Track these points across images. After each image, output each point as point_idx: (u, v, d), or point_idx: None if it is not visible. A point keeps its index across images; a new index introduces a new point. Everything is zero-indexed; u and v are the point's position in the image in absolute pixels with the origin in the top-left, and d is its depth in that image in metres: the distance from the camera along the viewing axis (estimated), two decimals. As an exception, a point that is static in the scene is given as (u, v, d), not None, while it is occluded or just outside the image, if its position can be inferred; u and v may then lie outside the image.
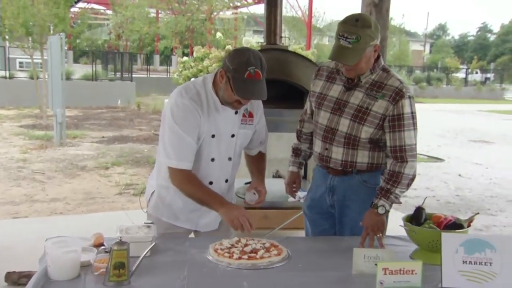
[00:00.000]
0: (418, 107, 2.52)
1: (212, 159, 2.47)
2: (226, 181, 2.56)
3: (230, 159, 2.53)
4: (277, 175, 4.89)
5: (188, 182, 2.40)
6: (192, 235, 2.67)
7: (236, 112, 2.46)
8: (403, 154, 2.43)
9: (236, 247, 2.31)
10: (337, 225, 2.69)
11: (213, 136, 2.43)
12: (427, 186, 7.80)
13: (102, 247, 2.05)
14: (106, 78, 20.08)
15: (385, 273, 1.96)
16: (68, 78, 15.78)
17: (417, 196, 6.74)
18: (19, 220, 5.33)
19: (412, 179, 2.45)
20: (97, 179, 7.29)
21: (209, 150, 2.45)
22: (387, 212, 2.44)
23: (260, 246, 2.31)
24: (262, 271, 2.12)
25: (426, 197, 3.16)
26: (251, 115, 2.54)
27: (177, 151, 2.37)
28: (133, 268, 1.95)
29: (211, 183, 2.50)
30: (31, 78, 15.50)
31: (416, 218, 2.40)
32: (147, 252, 2.01)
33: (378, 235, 2.42)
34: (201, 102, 2.38)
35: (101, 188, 6.80)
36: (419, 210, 2.43)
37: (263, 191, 2.55)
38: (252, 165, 2.72)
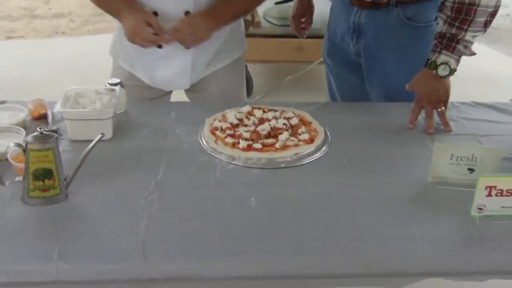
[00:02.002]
0: None
1: None
2: (187, 13, 1.59)
3: None
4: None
5: None
6: (182, 97, 1.86)
7: None
8: None
9: (246, 125, 1.50)
10: (367, 86, 1.85)
11: None
12: None
13: (39, 128, 1.23)
14: None
15: (489, 194, 1.15)
16: None
17: None
18: (13, 41, 4.59)
19: (493, 14, 1.50)
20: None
21: None
22: (452, 72, 1.54)
23: (284, 125, 1.50)
24: (284, 172, 1.34)
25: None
26: None
27: None
28: (72, 172, 1.20)
29: (156, 14, 1.58)
30: None
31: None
32: (97, 142, 1.23)
33: (438, 110, 1.57)
34: None
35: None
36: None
37: (185, 29, 1.56)
38: None
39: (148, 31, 1.51)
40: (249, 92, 3.85)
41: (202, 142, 1.44)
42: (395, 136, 1.52)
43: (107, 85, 1.55)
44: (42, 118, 1.50)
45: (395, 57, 1.73)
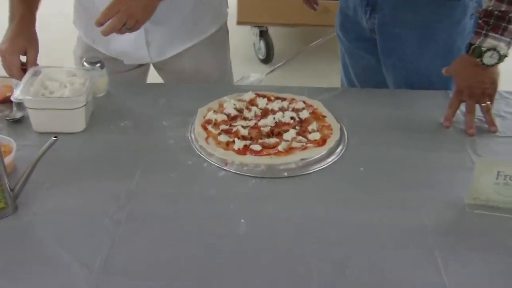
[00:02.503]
0: None
1: None
2: None
3: None
4: None
5: None
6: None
7: None
8: None
9: (245, 118, 1.25)
10: (383, 69, 1.55)
11: None
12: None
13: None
14: None
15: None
16: None
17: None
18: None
19: None
20: None
21: None
22: (501, 59, 1.23)
23: (291, 119, 1.24)
24: (286, 183, 1.09)
25: None
26: None
27: None
28: (21, 183, 0.97)
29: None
30: None
31: None
32: (49, 147, 0.99)
33: (483, 105, 1.28)
34: None
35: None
36: None
37: (113, 7, 1.19)
38: None
39: (17, 63, 1.29)
40: (269, 58, 3.56)
41: (191, 139, 1.20)
42: (426, 136, 1.24)
43: (85, 64, 1.31)
44: (7, 102, 1.28)
45: (417, 37, 1.43)
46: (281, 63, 3.28)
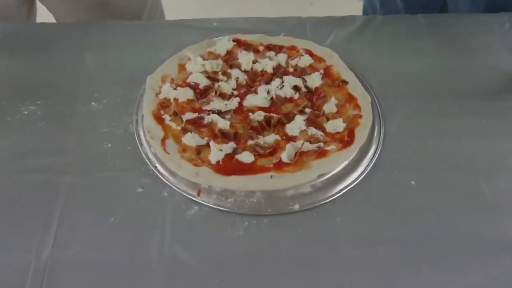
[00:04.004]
0: None
1: None
2: None
3: None
4: None
5: None
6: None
7: None
8: None
9: (224, 95, 0.79)
10: None
11: None
12: None
13: None
14: None
15: None
16: None
17: None
18: None
19: None
20: None
21: None
22: None
23: (295, 90, 0.79)
24: (301, 220, 0.68)
25: None
26: None
27: None
28: None
29: None
30: None
31: None
32: None
33: None
34: None
35: None
36: None
37: None
38: None
39: None
40: None
41: (138, 138, 0.74)
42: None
43: None
44: None
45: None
46: None
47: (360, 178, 0.71)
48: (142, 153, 0.73)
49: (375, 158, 0.74)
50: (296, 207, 0.68)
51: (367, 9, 1.21)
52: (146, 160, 0.72)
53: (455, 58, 0.89)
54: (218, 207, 0.67)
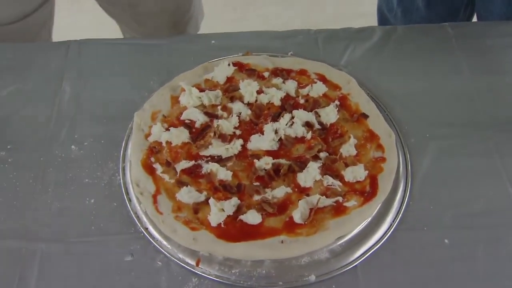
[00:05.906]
0: None
1: None
2: None
3: None
4: None
5: None
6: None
7: None
8: None
9: (224, 136, 0.67)
10: None
11: None
12: None
13: None
14: None
15: None
16: None
17: None
18: None
19: None
20: None
21: None
22: None
23: (308, 128, 0.68)
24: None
25: None
26: None
27: None
28: None
29: None
30: None
31: None
32: None
33: None
34: None
35: None
36: None
37: None
38: None
39: None
40: None
41: (128, 195, 0.64)
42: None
43: None
44: None
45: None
46: None
47: (385, 238, 0.61)
48: (131, 210, 0.62)
49: (402, 211, 0.63)
50: (312, 278, 0.58)
51: (383, 6, 1.08)
52: (136, 220, 0.62)
53: (491, 77, 0.77)
54: (221, 280, 0.57)
